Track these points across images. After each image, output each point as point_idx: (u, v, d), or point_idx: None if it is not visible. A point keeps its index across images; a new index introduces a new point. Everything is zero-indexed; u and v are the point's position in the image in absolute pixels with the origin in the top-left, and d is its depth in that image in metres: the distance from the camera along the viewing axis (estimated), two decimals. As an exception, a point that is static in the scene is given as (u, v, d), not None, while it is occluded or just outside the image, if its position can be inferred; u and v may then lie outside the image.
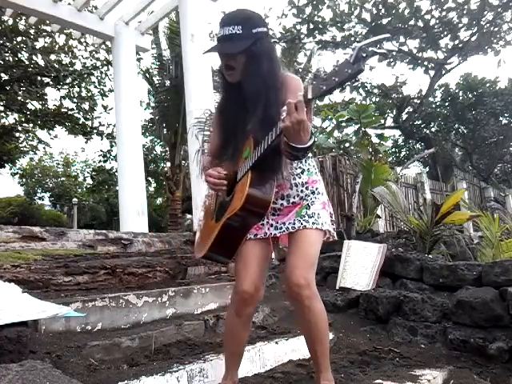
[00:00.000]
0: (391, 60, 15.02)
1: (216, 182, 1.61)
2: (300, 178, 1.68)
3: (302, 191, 1.68)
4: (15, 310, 1.71)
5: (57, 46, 11.37)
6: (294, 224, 1.65)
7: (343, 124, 6.59)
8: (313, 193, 1.68)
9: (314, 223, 1.62)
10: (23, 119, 13.01)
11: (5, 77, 11.13)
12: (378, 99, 16.47)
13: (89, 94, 12.80)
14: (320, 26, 13.64)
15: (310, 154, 1.71)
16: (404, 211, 4.43)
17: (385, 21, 13.31)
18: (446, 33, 13.74)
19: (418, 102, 15.35)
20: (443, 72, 14.81)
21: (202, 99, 4.81)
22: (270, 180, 1.55)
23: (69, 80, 12.07)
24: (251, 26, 1.57)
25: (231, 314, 1.75)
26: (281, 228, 1.67)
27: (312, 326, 1.63)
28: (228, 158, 1.70)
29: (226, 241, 1.63)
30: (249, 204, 1.50)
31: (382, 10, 13.12)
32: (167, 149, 12.81)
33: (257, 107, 1.56)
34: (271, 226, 1.69)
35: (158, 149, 17.55)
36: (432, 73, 14.90)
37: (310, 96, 1.30)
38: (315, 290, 1.61)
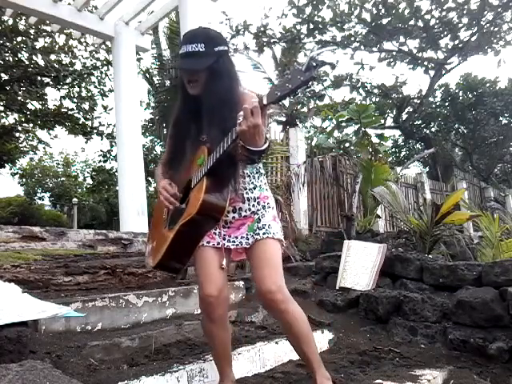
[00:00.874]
0: (391, 60, 15.02)
1: (170, 199, 1.69)
2: (252, 192, 1.73)
3: (253, 205, 1.73)
4: (15, 309, 1.71)
5: (57, 46, 11.36)
6: (248, 239, 1.69)
7: (343, 124, 6.59)
8: (263, 207, 1.73)
9: (264, 233, 1.67)
10: (23, 119, 13.00)
11: (5, 77, 11.12)
12: (378, 99, 16.46)
13: (89, 94, 12.79)
14: (320, 25, 13.64)
15: (262, 171, 1.80)
16: (404, 211, 4.43)
17: (385, 21, 13.31)
18: (446, 33, 13.74)
19: (418, 102, 15.34)
20: (443, 72, 14.81)
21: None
22: (225, 186, 1.62)
23: (69, 80, 12.07)
24: (213, 45, 1.65)
25: (205, 322, 1.76)
26: (234, 242, 1.71)
27: (293, 328, 1.66)
28: (180, 166, 1.77)
29: (180, 247, 1.66)
30: (204, 209, 1.56)
31: (382, 10, 13.12)
32: (167, 149, 12.79)
33: (214, 120, 1.63)
34: (224, 238, 1.71)
35: (158, 149, 17.53)
36: (432, 73, 14.90)
37: (265, 102, 1.39)
38: (288, 293, 1.65)
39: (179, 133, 1.82)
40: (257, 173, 1.77)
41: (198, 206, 1.55)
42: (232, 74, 1.71)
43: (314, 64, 1.27)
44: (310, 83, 1.31)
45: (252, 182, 1.75)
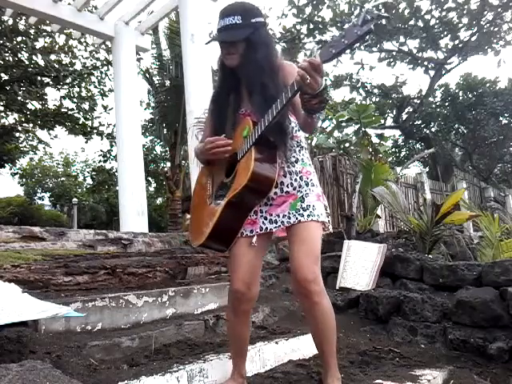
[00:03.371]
0: (391, 60, 15.02)
1: (220, 143, 1.65)
2: (294, 166, 1.69)
3: (295, 180, 1.68)
4: (15, 309, 1.71)
5: (57, 46, 11.37)
6: (290, 218, 1.64)
7: (343, 124, 6.58)
8: (307, 184, 1.68)
9: (308, 215, 1.62)
10: (23, 119, 13.00)
11: (5, 77, 11.12)
12: (378, 99, 16.47)
13: (89, 94, 12.80)
14: (320, 26, 13.65)
15: (303, 145, 1.76)
16: (404, 211, 4.43)
17: (385, 21, 13.30)
18: (446, 33, 13.76)
19: (418, 102, 15.36)
20: (443, 72, 14.83)
21: (201, 99, 4.80)
22: (274, 157, 1.60)
23: (69, 80, 12.07)
24: (250, 16, 1.66)
25: (229, 312, 1.79)
26: (275, 221, 1.66)
27: (320, 323, 1.62)
28: None
29: (227, 224, 1.63)
30: (254, 181, 1.52)
31: (382, 10, 13.12)
32: (167, 149, 12.81)
33: (255, 90, 1.64)
34: (265, 218, 1.68)
35: (158, 149, 17.56)
36: (432, 73, 14.93)
37: (318, 60, 1.34)
38: (322, 285, 1.61)
39: (219, 107, 1.80)
40: (297, 146, 1.73)
41: (248, 176, 1.51)
42: (270, 45, 1.73)
43: (370, 17, 1.23)
44: (367, 37, 1.27)
45: (293, 156, 1.70)
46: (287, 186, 1.67)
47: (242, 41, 1.65)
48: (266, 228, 1.67)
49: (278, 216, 1.66)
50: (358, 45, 13.97)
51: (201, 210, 1.80)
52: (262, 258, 1.79)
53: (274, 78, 1.62)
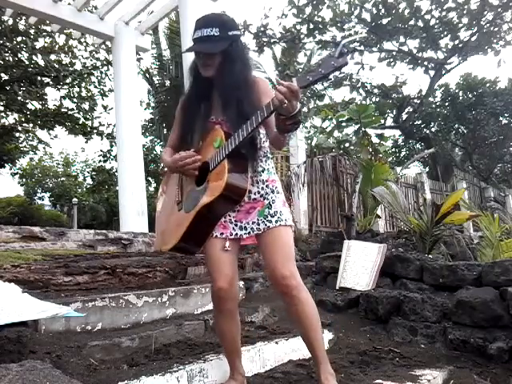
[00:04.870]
0: (391, 60, 15.02)
1: (189, 161, 1.69)
2: (261, 175, 1.76)
3: (262, 188, 1.75)
4: (15, 309, 1.71)
5: (57, 46, 11.37)
6: (259, 225, 1.71)
7: (343, 124, 6.58)
8: (272, 191, 1.76)
9: (276, 221, 1.70)
10: (23, 119, 12.99)
11: (5, 77, 11.13)
12: (378, 99, 16.44)
13: (89, 94, 12.80)
14: (320, 26, 13.63)
15: (269, 155, 1.84)
16: (404, 211, 4.43)
17: (385, 21, 13.31)
18: (446, 33, 13.76)
19: (418, 101, 15.34)
20: (443, 72, 14.83)
21: (202, 99, 4.81)
22: (246, 169, 1.68)
23: (69, 80, 12.07)
24: (227, 29, 1.70)
25: (215, 313, 1.83)
26: (245, 228, 1.73)
27: (302, 315, 1.68)
28: (190, 148, 1.77)
29: (199, 229, 1.70)
30: (228, 191, 1.59)
31: (382, 10, 13.13)
32: (167, 149, 12.78)
33: (230, 101, 1.68)
34: (235, 225, 1.74)
35: (158, 149, 17.52)
36: (432, 73, 14.92)
37: (296, 85, 1.41)
38: (300, 280, 1.68)
39: (189, 114, 1.82)
40: (264, 156, 1.79)
41: (223, 186, 1.57)
42: (245, 58, 1.76)
43: (346, 50, 1.32)
44: (343, 69, 1.35)
45: (260, 165, 1.77)
46: (254, 194, 1.75)
47: (219, 53, 1.67)
48: (237, 234, 1.74)
49: (248, 223, 1.73)
50: (358, 45, 13.99)
51: (168, 216, 1.84)
52: (237, 257, 1.84)
53: (250, 93, 1.67)
